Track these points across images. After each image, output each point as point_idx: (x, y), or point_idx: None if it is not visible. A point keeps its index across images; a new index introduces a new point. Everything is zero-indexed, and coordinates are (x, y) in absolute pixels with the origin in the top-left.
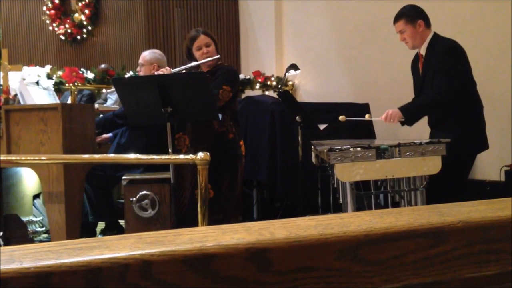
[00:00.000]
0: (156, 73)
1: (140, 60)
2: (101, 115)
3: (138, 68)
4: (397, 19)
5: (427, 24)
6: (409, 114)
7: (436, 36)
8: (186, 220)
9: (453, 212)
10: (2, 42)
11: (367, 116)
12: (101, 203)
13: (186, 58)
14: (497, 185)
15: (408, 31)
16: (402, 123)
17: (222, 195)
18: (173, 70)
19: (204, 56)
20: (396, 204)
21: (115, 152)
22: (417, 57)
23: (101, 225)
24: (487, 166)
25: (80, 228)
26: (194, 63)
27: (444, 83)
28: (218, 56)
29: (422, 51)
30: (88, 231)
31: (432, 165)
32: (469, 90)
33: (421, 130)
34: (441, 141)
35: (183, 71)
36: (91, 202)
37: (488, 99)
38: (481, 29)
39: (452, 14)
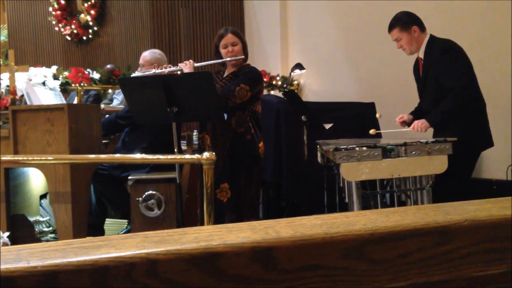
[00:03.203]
0: (180, 65)
1: (140, 61)
2: (107, 115)
3: (138, 69)
4: (391, 27)
5: (422, 28)
6: (436, 123)
7: (432, 38)
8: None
9: (459, 211)
10: (8, 43)
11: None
12: (116, 195)
13: (214, 55)
14: (504, 184)
15: (404, 39)
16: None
17: (237, 195)
18: (196, 64)
19: (229, 55)
20: (402, 204)
21: (120, 149)
22: (417, 61)
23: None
24: (493, 165)
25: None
26: (216, 61)
27: (459, 82)
28: (242, 56)
29: (421, 54)
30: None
31: (438, 164)
32: None
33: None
34: (447, 140)
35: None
36: (107, 197)
37: (493, 98)
38: (481, 29)
39: (453, 14)
